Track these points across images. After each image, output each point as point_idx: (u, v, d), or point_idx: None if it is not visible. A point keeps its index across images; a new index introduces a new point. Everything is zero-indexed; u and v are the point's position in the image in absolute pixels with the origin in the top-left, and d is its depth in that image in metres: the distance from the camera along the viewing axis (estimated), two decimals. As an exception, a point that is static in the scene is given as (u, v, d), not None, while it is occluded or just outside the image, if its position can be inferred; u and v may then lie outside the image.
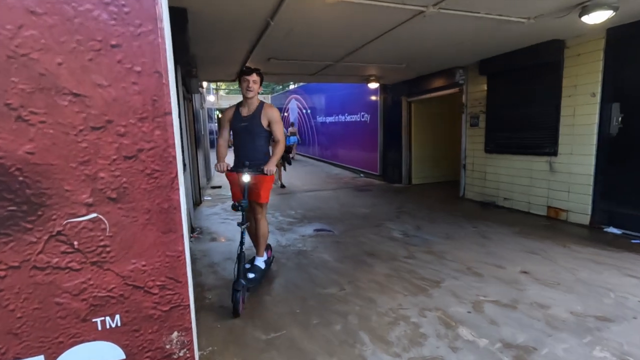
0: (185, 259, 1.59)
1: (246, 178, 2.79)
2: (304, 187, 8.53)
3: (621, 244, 3.88)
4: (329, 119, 12.97)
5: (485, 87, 6.06)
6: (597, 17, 3.31)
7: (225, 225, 5.18)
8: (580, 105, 4.60)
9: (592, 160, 4.51)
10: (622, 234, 4.25)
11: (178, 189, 1.49)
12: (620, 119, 4.26)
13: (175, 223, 1.51)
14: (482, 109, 6.19)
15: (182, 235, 1.55)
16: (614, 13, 3.27)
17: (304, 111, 16.00)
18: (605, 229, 4.42)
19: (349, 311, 2.63)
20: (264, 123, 2.98)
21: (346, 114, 11.29)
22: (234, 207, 2.77)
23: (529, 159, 5.36)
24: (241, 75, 2.96)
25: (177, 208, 1.49)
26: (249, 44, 4.52)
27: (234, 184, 3.11)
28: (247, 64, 5.62)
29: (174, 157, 1.46)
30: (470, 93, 6.42)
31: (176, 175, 1.47)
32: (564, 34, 4.52)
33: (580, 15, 3.37)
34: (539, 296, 2.76)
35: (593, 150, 4.50)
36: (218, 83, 24.45)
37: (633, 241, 3.98)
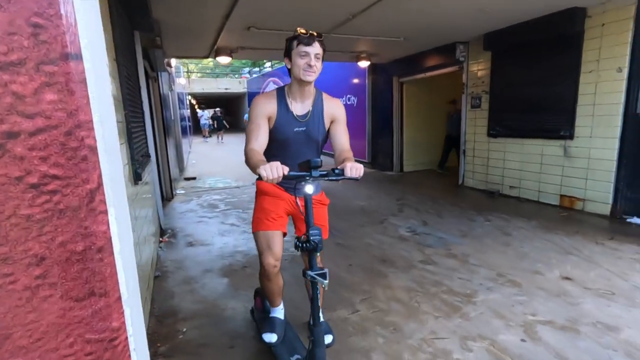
0: (128, 343, 0.89)
1: (310, 189, 1.51)
2: (288, 177, 7.83)
3: (655, 238, 3.46)
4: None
5: (489, 64, 5.50)
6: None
7: (204, 226, 4.44)
8: (603, 82, 4.11)
9: (616, 144, 4.06)
10: (647, 224, 3.86)
11: (105, 212, 0.80)
12: (650, 97, 3.81)
13: (104, 278, 0.83)
14: (485, 88, 5.65)
15: (119, 300, 0.87)
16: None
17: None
18: (628, 220, 4.02)
19: (371, 347, 2.01)
20: (327, 124, 1.82)
21: (330, 97, 10.56)
22: (301, 247, 1.51)
23: (539, 143, 4.88)
24: (293, 44, 1.65)
25: (106, 248, 0.80)
26: (225, 7, 3.71)
27: (274, 205, 1.83)
28: (221, 38, 4.78)
29: (93, 149, 0.77)
30: (472, 71, 5.86)
31: (99, 186, 0.78)
32: (585, 1, 3.98)
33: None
34: (600, 313, 2.25)
35: (617, 132, 4.04)
36: (189, 67, 22.91)
37: (664, 233, 3.58)
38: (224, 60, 5.75)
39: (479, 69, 5.73)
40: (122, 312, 0.81)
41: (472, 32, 5.21)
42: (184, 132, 11.80)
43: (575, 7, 4.13)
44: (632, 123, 3.94)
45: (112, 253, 0.76)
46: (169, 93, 7.35)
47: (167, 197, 5.73)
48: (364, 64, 6.93)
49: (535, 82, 4.83)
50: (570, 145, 4.51)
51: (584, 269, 2.85)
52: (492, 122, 5.57)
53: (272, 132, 1.72)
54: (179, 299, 2.63)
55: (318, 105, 1.78)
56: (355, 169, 1.48)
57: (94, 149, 0.71)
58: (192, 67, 24.12)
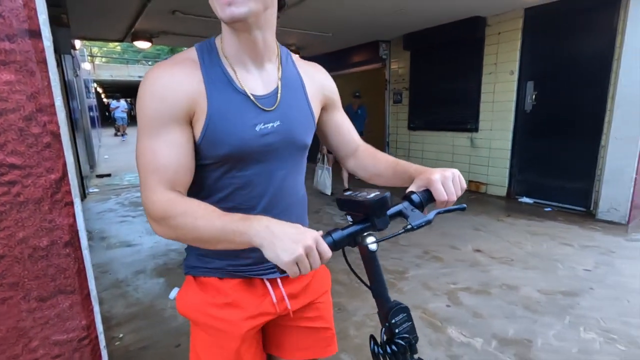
0: (98, 342, 0.87)
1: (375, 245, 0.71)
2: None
3: (540, 213, 4.21)
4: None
5: (408, 62, 5.99)
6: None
7: (128, 225, 4.08)
8: (500, 83, 4.81)
9: (510, 136, 4.80)
10: (533, 203, 4.66)
11: (71, 204, 0.76)
12: (534, 96, 4.57)
13: (72, 274, 0.80)
14: (405, 85, 6.15)
15: (89, 296, 0.84)
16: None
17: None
18: (519, 199, 4.80)
19: (320, 327, 2.12)
20: (317, 111, 0.88)
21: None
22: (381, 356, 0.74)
23: (452, 135, 5.52)
24: None
25: (73, 242, 0.77)
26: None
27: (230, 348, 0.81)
28: (140, 21, 4.39)
29: (56, 136, 0.73)
30: (394, 69, 6.32)
31: (64, 176, 0.74)
32: (485, 11, 4.59)
33: (521, -12, 3.33)
34: (505, 276, 2.68)
35: (511, 126, 4.77)
36: (92, 50, 20.24)
37: (546, 209, 4.37)
38: (142, 45, 5.28)
39: (399, 66, 6.21)
40: (92, 309, 0.77)
41: (393, 32, 5.61)
42: (92, 124, 10.52)
43: (478, 16, 4.73)
44: (521, 118, 4.69)
45: (79, 247, 0.72)
46: (74, 79, 6.49)
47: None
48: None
49: (447, 80, 5.43)
50: (476, 137, 5.19)
51: (490, 242, 3.35)
52: (411, 116, 6.11)
53: (202, 148, 0.72)
54: (109, 305, 2.42)
55: (290, 73, 0.83)
56: (457, 181, 0.74)
57: (57, 136, 0.67)
58: (95, 50, 21.27)
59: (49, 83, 0.66)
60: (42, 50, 0.65)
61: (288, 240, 0.56)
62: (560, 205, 4.40)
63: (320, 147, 5.02)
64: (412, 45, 5.74)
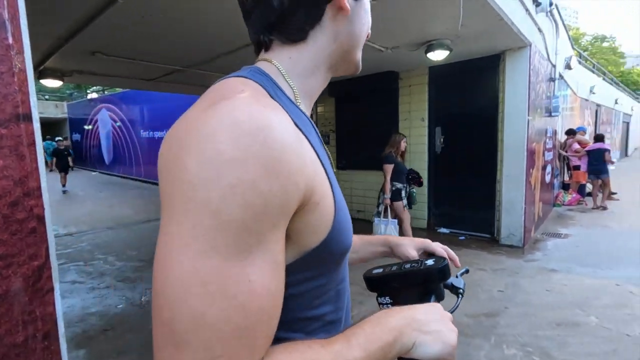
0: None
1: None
2: (136, 217, 6.92)
3: (456, 242, 4.74)
4: (158, 134, 11.27)
5: (334, 107, 6.47)
6: (439, 55, 3.96)
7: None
8: (414, 128, 5.47)
9: (426, 174, 5.41)
10: (450, 232, 5.24)
11: (52, 290, 0.72)
12: (442, 139, 5.29)
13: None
14: (332, 128, 6.58)
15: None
16: (449, 53, 3.98)
17: (119, 124, 13.43)
18: (438, 230, 5.35)
19: None
20: None
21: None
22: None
23: (376, 174, 5.97)
24: None
25: (52, 333, 0.71)
26: (66, 30, 3.21)
27: None
28: (52, 59, 4.05)
29: (41, 219, 0.71)
30: (320, 113, 6.74)
31: (46, 260, 0.71)
32: (397, 67, 5.28)
33: (427, 52, 3.96)
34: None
35: (425, 165, 5.41)
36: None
37: (460, 238, 4.94)
38: (52, 83, 4.80)
39: (325, 110, 6.65)
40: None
41: (319, 80, 6.05)
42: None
43: (392, 71, 5.41)
44: (434, 158, 5.36)
45: (57, 337, 0.67)
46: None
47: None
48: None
49: (369, 124, 5.98)
50: (397, 175, 5.72)
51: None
52: (339, 156, 6.50)
53: (327, 247, 0.45)
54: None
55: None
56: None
57: (42, 219, 0.64)
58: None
59: (37, 165, 0.65)
60: (32, 133, 0.64)
61: (436, 323, 0.48)
62: (472, 233, 5.02)
63: (380, 197, 4.33)
64: (336, 93, 6.24)
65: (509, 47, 4.33)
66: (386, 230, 4.76)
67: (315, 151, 0.44)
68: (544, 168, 5.61)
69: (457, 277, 0.73)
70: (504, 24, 3.38)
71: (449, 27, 3.39)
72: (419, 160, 5.44)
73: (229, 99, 0.38)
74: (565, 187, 7.62)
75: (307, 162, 0.40)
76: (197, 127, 0.36)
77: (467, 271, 0.78)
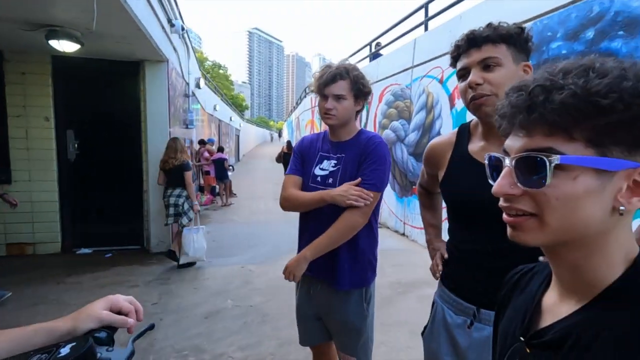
0: None
1: None
2: None
3: (102, 261, 4.21)
4: None
5: None
6: (66, 46, 3.28)
7: None
8: (34, 129, 4.27)
9: (56, 186, 4.40)
10: (93, 252, 4.58)
11: None
12: (77, 145, 4.49)
13: None
14: None
15: None
16: (81, 47, 3.41)
17: None
18: (77, 252, 4.53)
19: None
20: None
21: None
22: None
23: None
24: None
25: None
26: None
27: None
28: None
29: None
30: None
31: None
32: (2, 43, 3.93)
33: (48, 39, 3.18)
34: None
35: (55, 175, 4.39)
36: None
37: (107, 255, 4.45)
38: None
39: None
40: None
41: None
42: None
43: (-10, 47, 3.92)
44: (66, 168, 4.45)
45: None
46: None
47: None
48: None
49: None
50: (9, 190, 4.24)
51: (60, 314, 2.91)
52: None
53: None
54: None
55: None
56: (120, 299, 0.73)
57: None
58: None
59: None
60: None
61: None
62: (120, 248, 4.65)
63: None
64: None
65: (148, 58, 4.36)
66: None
67: None
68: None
69: (127, 345, 0.64)
70: (142, 35, 3.35)
71: (79, 18, 2.90)
72: (43, 169, 4.33)
73: None
74: (201, 189, 8.86)
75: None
76: None
77: (152, 327, 0.73)
